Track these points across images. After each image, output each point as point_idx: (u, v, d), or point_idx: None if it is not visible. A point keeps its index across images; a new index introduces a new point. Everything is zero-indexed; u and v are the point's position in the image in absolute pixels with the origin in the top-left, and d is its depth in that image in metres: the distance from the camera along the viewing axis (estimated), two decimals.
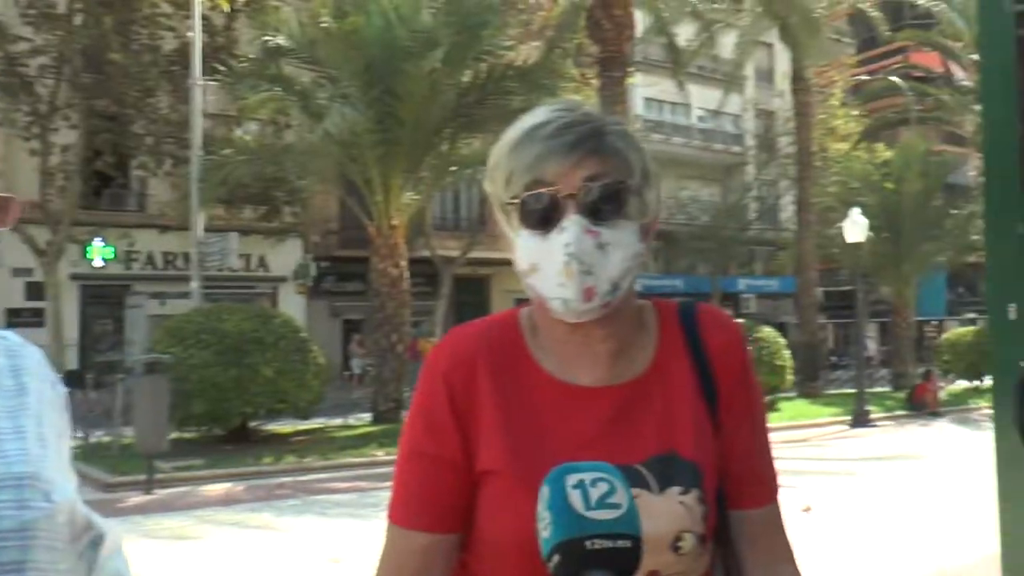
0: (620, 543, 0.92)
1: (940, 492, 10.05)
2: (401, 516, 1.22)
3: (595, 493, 0.95)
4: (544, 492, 0.97)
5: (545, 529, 0.95)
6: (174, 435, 13.32)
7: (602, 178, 1.15)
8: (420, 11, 15.55)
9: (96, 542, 1.16)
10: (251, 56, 16.81)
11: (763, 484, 1.29)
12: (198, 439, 13.99)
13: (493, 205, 1.24)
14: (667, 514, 1.15)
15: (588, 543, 0.91)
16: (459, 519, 1.20)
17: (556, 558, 0.93)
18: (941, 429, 17.80)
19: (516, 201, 1.17)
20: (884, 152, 31.13)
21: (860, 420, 18.56)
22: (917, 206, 25.77)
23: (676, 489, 1.17)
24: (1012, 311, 1.41)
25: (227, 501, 10.04)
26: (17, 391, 1.15)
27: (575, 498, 0.94)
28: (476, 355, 1.23)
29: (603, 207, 1.15)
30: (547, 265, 1.15)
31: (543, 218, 1.16)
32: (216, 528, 8.40)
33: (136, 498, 10.38)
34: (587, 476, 0.96)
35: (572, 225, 1.13)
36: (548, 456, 1.15)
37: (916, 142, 27.07)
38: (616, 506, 0.94)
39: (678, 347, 1.27)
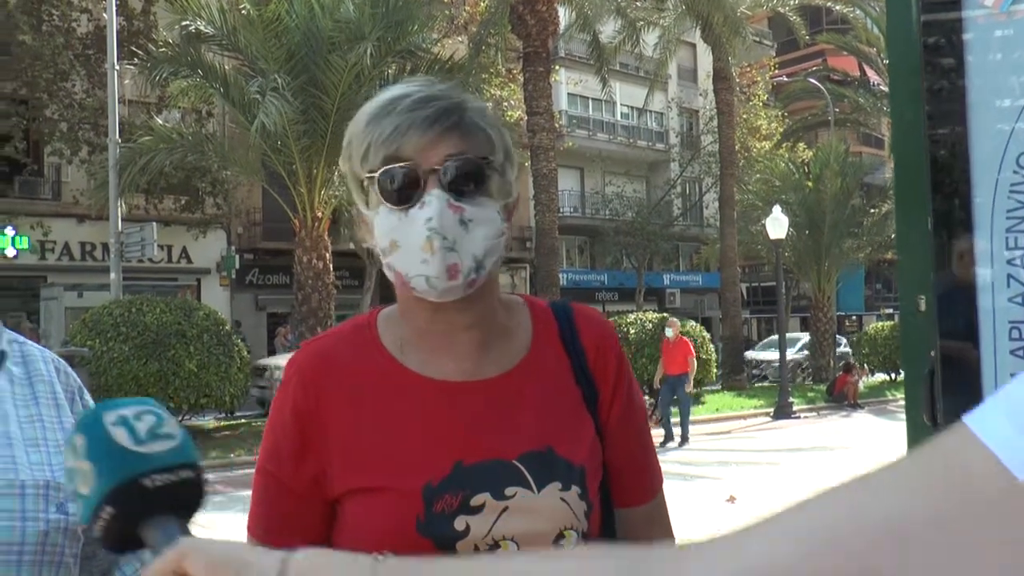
0: (184, 474, 0.79)
1: None
2: (256, 530, 1.19)
3: (142, 426, 0.80)
4: (79, 442, 0.80)
5: (86, 484, 0.77)
6: None
7: (464, 154, 1.11)
8: (344, 1, 15.36)
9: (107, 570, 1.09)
10: (170, 41, 16.37)
11: (649, 480, 1.29)
12: None
13: (349, 184, 1.19)
14: (548, 511, 1.13)
15: (148, 481, 0.77)
16: (307, 538, 1.11)
17: (108, 511, 0.77)
18: (860, 420, 18.29)
19: (374, 175, 1.12)
20: (805, 152, 31.81)
21: (782, 412, 18.82)
22: (836, 205, 26.27)
23: (556, 485, 1.14)
24: (922, 303, 1.46)
25: None
26: (32, 400, 1.12)
27: (120, 435, 0.79)
28: (327, 371, 1.18)
29: (466, 184, 1.11)
30: (408, 242, 1.10)
31: (404, 193, 1.11)
32: None
33: None
34: (128, 411, 0.82)
35: (434, 200, 1.09)
36: (419, 458, 1.12)
37: (835, 143, 27.64)
38: (170, 436, 0.81)
39: (554, 345, 1.24)
